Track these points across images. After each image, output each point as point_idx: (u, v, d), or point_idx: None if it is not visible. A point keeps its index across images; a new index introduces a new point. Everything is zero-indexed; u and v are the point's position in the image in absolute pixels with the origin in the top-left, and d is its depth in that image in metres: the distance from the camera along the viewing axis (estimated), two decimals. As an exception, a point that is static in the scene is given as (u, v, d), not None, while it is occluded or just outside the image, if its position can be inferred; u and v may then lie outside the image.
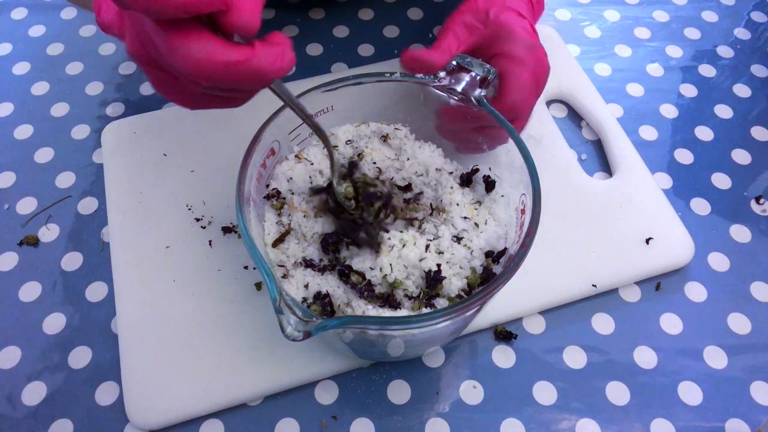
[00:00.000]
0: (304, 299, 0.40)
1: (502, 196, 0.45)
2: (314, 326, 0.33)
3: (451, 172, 0.46)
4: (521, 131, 0.46)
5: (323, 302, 0.40)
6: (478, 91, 0.43)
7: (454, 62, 0.43)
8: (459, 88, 0.43)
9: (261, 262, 0.35)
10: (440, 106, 0.45)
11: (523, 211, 0.41)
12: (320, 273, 0.41)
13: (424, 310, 0.40)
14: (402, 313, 0.39)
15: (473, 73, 0.43)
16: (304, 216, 0.43)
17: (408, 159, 0.46)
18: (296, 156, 0.45)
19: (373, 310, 0.39)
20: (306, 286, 0.40)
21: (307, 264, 0.41)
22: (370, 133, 0.47)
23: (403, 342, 0.40)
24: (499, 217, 0.44)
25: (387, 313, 0.39)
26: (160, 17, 0.28)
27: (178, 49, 0.29)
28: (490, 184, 0.45)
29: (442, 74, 0.43)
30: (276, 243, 0.42)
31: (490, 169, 0.45)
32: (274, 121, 0.41)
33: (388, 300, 0.40)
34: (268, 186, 0.44)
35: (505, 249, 0.42)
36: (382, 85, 0.44)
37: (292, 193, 0.44)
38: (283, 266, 0.41)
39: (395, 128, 0.47)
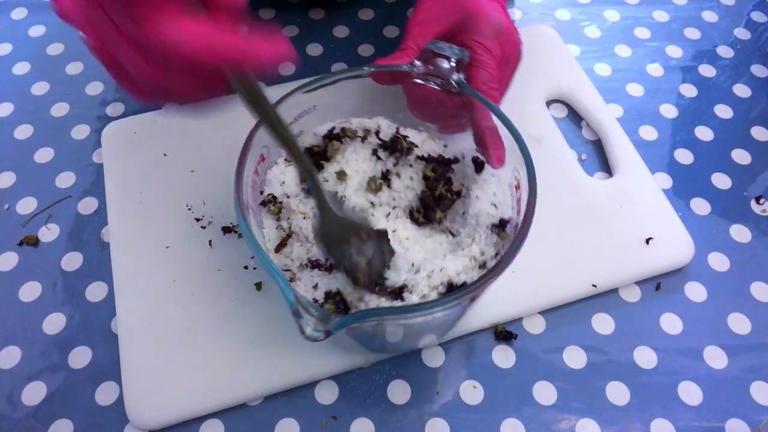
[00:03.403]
0: (315, 300, 0.40)
1: (492, 175, 0.45)
2: (334, 324, 0.33)
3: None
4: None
5: (335, 300, 0.40)
6: (456, 75, 0.43)
7: (427, 49, 0.44)
8: (437, 75, 0.43)
9: (275, 270, 0.35)
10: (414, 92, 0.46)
11: (517, 187, 0.41)
12: (327, 272, 0.41)
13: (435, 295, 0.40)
14: (414, 299, 0.39)
15: (448, 58, 0.43)
16: (304, 218, 0.43)
17: None
18: (285, 160, 0.45)
19: (386, 302, 0.39)
20: (315, 287, 0.40)
21: (314, 265, 0.41)
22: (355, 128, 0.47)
23: (418, 328, 0.40)
24: (491, 194, 0.44)
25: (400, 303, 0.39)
26: None
27: (154, 32, 0.28)
28: (479, 165, 0.45)
29: (417, 63, 0.44)
30: (278, 248, 0.42)
31: (476, 150, 0.46)
32: (261, 127, 0.41)
33: (401, 293, 0.40)
34: (262, 193, 0.44)
35: (509, 219, 0.42)
36: (361, 80, 0.44)
37: (288, 197, 0.44)
38: (288, 270, 0.41)
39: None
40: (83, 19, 0.32)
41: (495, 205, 0.43)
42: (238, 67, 0.30)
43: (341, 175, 0.44)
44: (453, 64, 0.43)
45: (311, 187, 0.39)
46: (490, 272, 0.36)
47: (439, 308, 0.34)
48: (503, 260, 0.36)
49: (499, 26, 0.45)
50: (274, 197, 0.44)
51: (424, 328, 0.40)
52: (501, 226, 0.42)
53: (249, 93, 0.32)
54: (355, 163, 0.45)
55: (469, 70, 0.44)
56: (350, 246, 0.39)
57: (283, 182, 0.44)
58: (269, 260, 0.35)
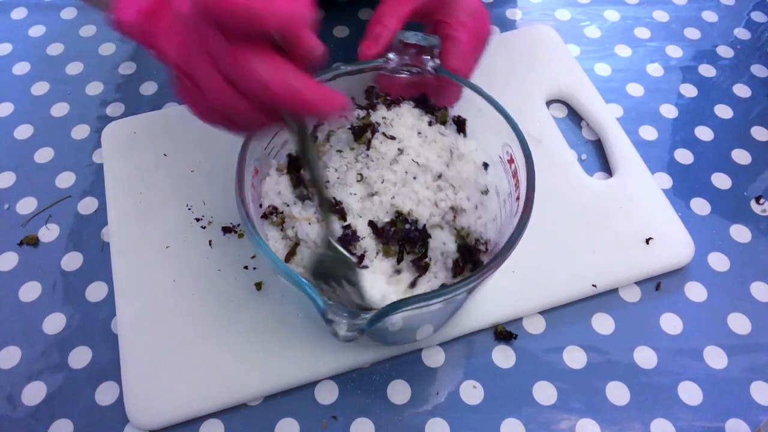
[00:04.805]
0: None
1: (476, 149, 0.46)
2: (366, 322, 0.33)
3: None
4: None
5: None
6: (432, 62, 0.44)
7: (398, 40, 0.44)
8: (413, 64, 0.44)
9: (300, 280, 0.34)
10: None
11: (511, 161, 0.42)
12: None
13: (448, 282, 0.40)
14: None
15: (419, 47, 0.44)
16: (309, 223, 0.42)
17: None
18: (277, 169, 0.45)
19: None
20: None
21: None
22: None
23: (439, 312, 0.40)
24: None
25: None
26: (235, 31, 0.30)
27: (248, 67, 0.31)
28: (461, 124, 0.46)
29: (390, 56, 0.44)
30: (288, 257, 0.41)
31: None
32: (252, 142, 0.41)
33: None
34: (261, 206, 0.43)
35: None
36: (338, 80, 0.45)
37: (287, 206, 0.43)
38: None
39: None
40: (165, 38, 0.35)
41: (485, 166, 0.45)
42: (306, 113, 0.34)
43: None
44: (424, 52, 0.44)
45: (325, 227, 0.40)
46: (508, 243, 0.36)
47: (462, 289, 0.35)
48: (518, 228, 0.37)
49: (474, 7, 0.47)
50: (275, 208, 0.43)
51: (433, 315, 0.41)
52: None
53: (300, 131, 0.36)
54: (338, 158, 0.44)
55: (445, 45, 0.45)
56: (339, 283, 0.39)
57: (279, 192, 0.43)
58: (293, 272, 0.35)
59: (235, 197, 0.38)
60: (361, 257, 0.41)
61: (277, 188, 0.44)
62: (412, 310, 0.35)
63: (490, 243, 0.42)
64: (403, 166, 0.43)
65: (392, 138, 0.44)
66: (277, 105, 0.32)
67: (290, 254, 0.41)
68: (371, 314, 0.33)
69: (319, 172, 0.39)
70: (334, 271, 0.39)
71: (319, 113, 0.33)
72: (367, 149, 0.44)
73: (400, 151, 0.44)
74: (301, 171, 0.44)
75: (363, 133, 0.44)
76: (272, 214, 0.43)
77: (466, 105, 0.45)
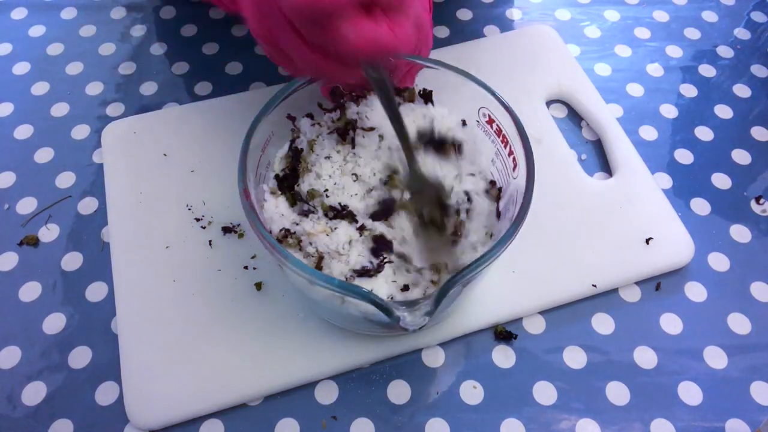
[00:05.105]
0: (391, 298, 0.40)
1: (443, 116, 0.46)
2: (430, 304, 0.34)
3: None
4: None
5: (401, 291, 0.40)
6: None
7: None
8: None
9: (363, 292, 0.34)
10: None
11: (490, 122, 0.43)
12: (377, 274, 0.40)
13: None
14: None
15: None
16: (327, 234, 0.41)
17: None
18: (271, 193, 0.44)
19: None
20: (371, 292, 0.39)
21: (361, 273, 0.40)
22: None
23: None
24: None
25: None
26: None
27: (333, 37, 0.34)
28: (427, 96, 0.46)
29: None
30: None
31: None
32: (247, 175, 0.40)
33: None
34: (270, 232, 0.42)
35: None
36: (311, 86, 0.45)
37: (297, 224, 0.42)
38: None
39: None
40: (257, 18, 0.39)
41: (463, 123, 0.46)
42: (387, 56, 0.37)
43: (312, 195, 0.43)
44: None
45: (407, 155, 0.42)
46: (525, 201, 0.38)
47: (504, 248, 0.37)
48: (528, 186, 0.39)
49: (421, 21, 0.45)
50: (288, 230, 0.42)
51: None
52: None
53: (380, 79, 0.39)
54: (329, 165, 0.44)
55: None
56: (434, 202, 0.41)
57: (282, 214, 0.43)
58: (353, 285, 0.35)
59: (259, 233, 0.38)
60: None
61: (279, 211, 0.43)
62: (474, 274, 0.36)
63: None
64: (387, 152, 0.43)
65: (371, 129, 0.44)
66: (363, 60, 0.36)
67: (317, 269, 0.40)
68: (433, 294, 0.34)
69: (399, 113, 0.40)
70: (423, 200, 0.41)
71: (396, 52, 0.36)
72: (353, 148, 0.44)
73: (381, 137, 0.43)
74: (295, 187, 0.44)
75: (347, 132, 0.44)
76: (287, 237, 0.41)
77: (433, 82, 0.45)
